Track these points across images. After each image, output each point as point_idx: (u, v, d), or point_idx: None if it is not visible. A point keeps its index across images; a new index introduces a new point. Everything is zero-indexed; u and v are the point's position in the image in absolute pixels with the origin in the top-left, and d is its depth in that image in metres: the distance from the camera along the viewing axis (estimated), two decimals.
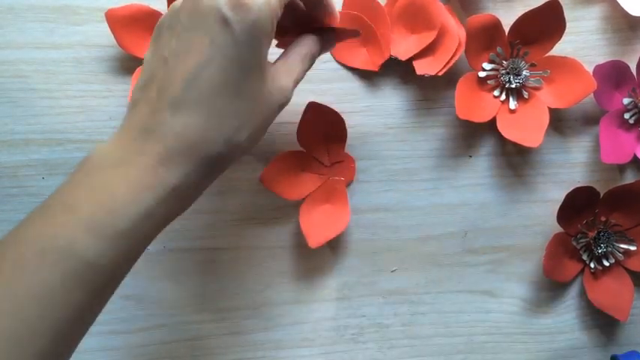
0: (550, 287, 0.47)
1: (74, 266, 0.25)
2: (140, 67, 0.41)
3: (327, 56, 0.44)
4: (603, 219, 0.45)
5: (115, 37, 0.41)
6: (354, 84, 0.45)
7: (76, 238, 0.25)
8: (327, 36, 0.36)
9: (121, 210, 0.26)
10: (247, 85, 0.29)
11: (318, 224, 0.43)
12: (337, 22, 0.37)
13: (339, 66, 0.45)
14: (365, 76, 0.45)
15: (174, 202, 0.28)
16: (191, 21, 0.29)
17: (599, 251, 0.45)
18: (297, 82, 0.33)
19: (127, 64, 0.43)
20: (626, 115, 0.44)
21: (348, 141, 0.44)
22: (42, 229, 0.26)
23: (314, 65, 0.43)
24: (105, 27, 0.40)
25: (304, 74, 0.34)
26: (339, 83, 0.45)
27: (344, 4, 0.43)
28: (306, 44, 0.34)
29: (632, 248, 0.45)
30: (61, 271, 0.25)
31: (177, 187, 0.28)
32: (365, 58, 0.44)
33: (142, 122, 0.29)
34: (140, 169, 0.27)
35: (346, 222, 0.43)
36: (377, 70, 0.44)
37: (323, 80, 0.44)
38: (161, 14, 0.41)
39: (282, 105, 0.32)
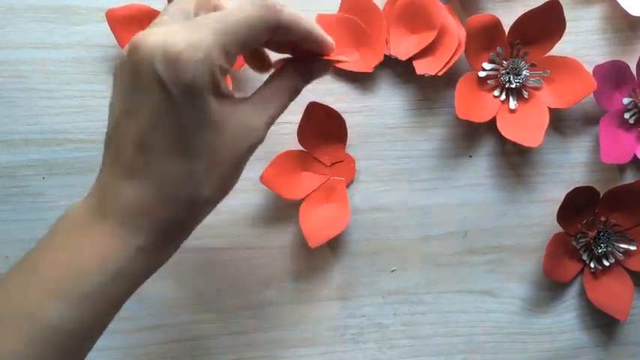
0: (550, 287, 0.47)
1: (40, 331, 0.25)
2: None
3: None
4: (603, 219, 0.45)
5: (115, 36, 0.40)
6: (355, 84, 0.45)
7: (41, 302, 0.25)
8: (318, 64, 0.33)
9: (86, 273, 0.26)
10: (198, 142, 0.27)
11: (318, 224, 0.43)
12: (332, 49, 0.32)
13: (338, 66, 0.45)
14: (365, 76, 0.45)
15: (143, 263, 0.28)
16: (133, 78, 0.27)
17: (599, 251, 0.45)
18: (273, 118, 0.31)
19: None
20: (626, 115, 0.44)
21: (348, 141, 0.44)
22: (9, 293, 0.26)
23: None
24: (105, 27, 0.40)
25: (284, 108, 0.31)
26: (339, 83, 0.45)
27: (341, 6, 0.44)
28: (289, 75, 0.31)
29: (632, 248, 0.45)
30: (27, 336, 0.25)
31: (142, 248, 0.27)
32: (358, 60, 0.44)
33: (102, 185, 0.28)
34: (104, 232, 0.27)
35: (346, 222, 0.43)
36: (371, 71, 0.44)
37: (323, 80, 0.44)
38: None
39: (253, 145, 0.30)
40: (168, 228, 0.28)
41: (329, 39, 0.31)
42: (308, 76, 0.32)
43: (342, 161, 0.45)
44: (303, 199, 0.44)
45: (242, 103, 0.29)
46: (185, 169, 0.27)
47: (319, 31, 0.30)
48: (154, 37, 0.26)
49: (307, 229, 0.43)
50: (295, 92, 0.32)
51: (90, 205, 0.28)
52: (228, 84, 0.43)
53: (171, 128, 0.26)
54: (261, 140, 0.30)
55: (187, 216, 0.29)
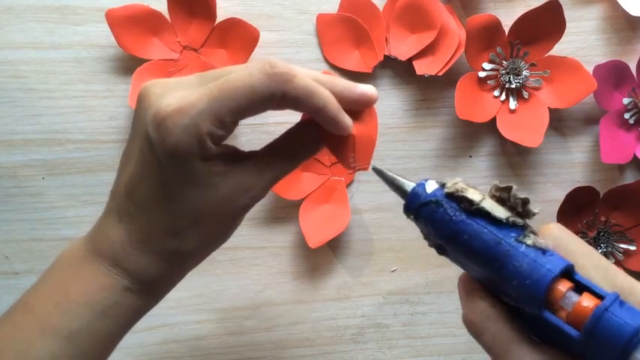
0: None
1: None
2: (140, 67, 0.41)
3: (320, 56, 0.44)
4: (603, 219, 0.45)
5: (114, 37, 0.40)
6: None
7: (32, 340, 0.26)
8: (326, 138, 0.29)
9: (76, 310, 0.27)
10: (181, 200, 0.27)
11: (318, 224, 0.43)
12: (348, 131, 0.28)
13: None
14: (365, 76, 0.45)
15: (132, 303, 0.28)
16: (133, 125, 0.27)
17: (599, 251, 0.45)
18: (277, 179, 0.29)
19: (127, 64, 0.43)
20: (626, 115, 0.44)
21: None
22: (5, 330, 0.27)
23: (311, 66, 0.43)
24: (105, 27, 0.40)
25: (292, 170, 0.29)
26: None
27: (340, 5, 0.44)
28: (307, 136, 0.29)
29: (632, 248, 0.45)
30: None
31: (130, 288, 0.28)
32: (358, 60, 0.44)
33: (98, 224, 0.29)
34: (92, 270, 0.27)
35: (346, 222, 0.43)
36: (370, 71, 0.44)
37: None
38: (161, 14, 0.41)
39: (248, 205, 0.28)
40: (156, 273, 0.28)
41: (346, 120, 0.27)
42: (310, 150, 0.30)
43: None
44: (303, 199, 0.44)
45: (242, 162, 0.27)
46: (169, 225, 0.27)
47: (334, 109, 0.27)
48: (155, 90, 0.26)
49: (307, 229, 0.43)
50: (308, 156, 0.30)
51: (85, 242, 0.29)
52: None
53: (156, 183, 0.26)
54: (258, 200, 0.28)
55: (176, 264, 0.29)
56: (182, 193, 0.26)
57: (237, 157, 0.28)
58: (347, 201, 0.44)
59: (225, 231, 0.30)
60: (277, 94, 0.25)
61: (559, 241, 0.25)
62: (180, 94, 0.25)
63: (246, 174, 0.27)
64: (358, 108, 0.28)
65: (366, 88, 0.28)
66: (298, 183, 0.44)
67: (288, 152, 0.29)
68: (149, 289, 0.29)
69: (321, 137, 0.29)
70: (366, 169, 0.30)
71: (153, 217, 0.27)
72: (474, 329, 0.25)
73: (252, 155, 0.28)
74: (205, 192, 0.27)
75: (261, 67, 0.25)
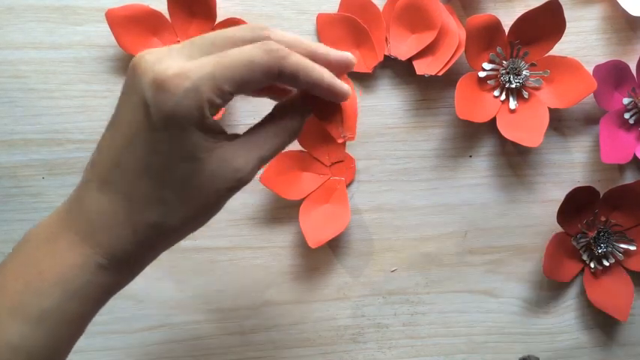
0: (550, 287, 0.47)
1: (1, 352, 0.25)
2: None
3: None
4: (603, 219, 0.45)
5: (115, 37, 0.40)
6: (355, 84, 0.45)
7: (2, 320, 0.25)
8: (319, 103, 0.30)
9: (47, 289, 0.26)
10: (171, 171, 0.26)
11: (318, 224, 0.43)
12: (347, 97, 0.29)
13: None
14: (365, 76, 0.45)
15: (104, 281, 0.27)
16: (125, 93, 0.26)
17: (599, 251, 0.45)
18: (264, 160, 0.29)
19: (127, 64, 0.42)
20: (626, 115, 0.44)
21: (348, 141, 0.44)
22: None
23: None
24: (105, 27, 0.40)
25: (279, 151, 0.29)
26: None
27: (340, 5, 0.44)
28: (289, 115, 0.29)
29: (632, 248, 0.45)
30: None
31: (103, 266, 0.27)
32: (358, 60, 0.44)
33: (75, 195, 0.28)
34: (66, 246, 0.26)
35: (346, 222, 0.43)
36: (370, 71, 0.44)
37: None
38: (161, 14, 0.41)
39: (234, 186, 0.28)
40: (131, 248, 0.27)
41: (343, 86, 0.29)
42: (308, 116, 0.30)
43: (342, 161, 0.45)
44: (303, 199, 0.44)
45: (230, 141, 0.27)
46: (155, 194, 0.26)
47: (331, 79, 0.28)
48: (150, 57, 0.25)
49: (307, 229, 0.43)
50: (294, 135, 0.30)
51: (59, 216, 0.28)
52: (219, 118, 0.41)
53: (146, 151, 0.26)
54: (244, 182, 0.28)
55: (154, 240, 0.28)
56: (172, 163, 0.26)
57: (224, 137, 0.27)
58: (347, 201, 0.44)
59: (207, 212, 0.29)
60: (274, 70, 0.26)
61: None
62: (177, 61, 0.25)
63: (233, 154, 0.27)
64: (338, 73, 0.29)
65: (339, 53, 0.29)
66: (298, 183, 0.44)
67: (273, 133, 0.29)
68: (122, 266, 0.28)
69: (313, 109, 0.30)
70: (352, 138, 0.31)
71: (139, 185, 0.26)
72: None
73: (237, 136, 0.28)
74: (195, 164, 0.26)
75: (259, 44, 0.26)
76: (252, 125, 0.29)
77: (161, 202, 0.27)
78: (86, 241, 0.27)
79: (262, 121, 0.29)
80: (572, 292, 0.47)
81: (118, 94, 0.42)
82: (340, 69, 0.29)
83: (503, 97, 0.44)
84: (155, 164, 0.26)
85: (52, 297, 0.26)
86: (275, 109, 0.30)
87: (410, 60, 0.43)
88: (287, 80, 0.27)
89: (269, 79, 0.26)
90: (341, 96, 0.29)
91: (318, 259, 0.46)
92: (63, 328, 0.26)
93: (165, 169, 0.26)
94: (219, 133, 0.27)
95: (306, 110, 0.30)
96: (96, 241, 0.27)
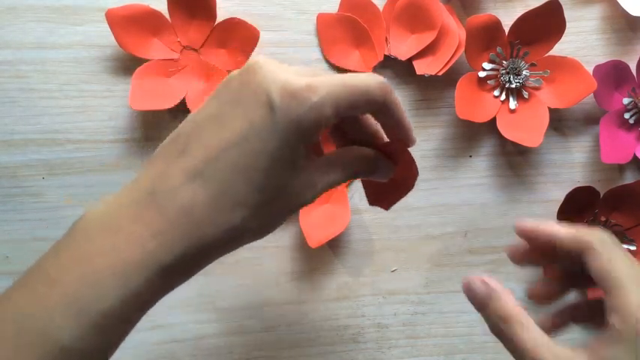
0: None
1: (49, 351, 0.24)
2: (139, 67, 0.41)
3: (320, 56, 0.44)
4: (603, 219, 0.45)
5: (114, 37, 0.40)
6: None
7: (53, 317, 0.24)
8: (385, 164, 0.31)
9: (105, 289, 0.24)
10: (271, 179, 0.26)
11: (318, 224, 0.43)
12: (412, 144, 0.31)
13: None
14: None
15: (162, 284, 0.26)
16: (238, 93, 0.26)
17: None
18: (329, 187, 0.29)
19: (127, 64, 0.43)
20: (626, 115, 0.44)
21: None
22: (22, 303, 0.25)
23: (311, 66, 0.43)
24: (105, 27, 0.40)
25: (341, 182, 0.30)
26: None
27: (340, 5, 0.44)
28: (357, 157, 0.30)
29: (632, 248, 0.45)
30: (35, 355, 0.24)
31: (167, 267, 0.25)
32: (358, 60, 0.44)
33: (151, 182, 0.26)
34: (130, 241, 0.25)
35: (346, 222, 0.43)
36: (370, 71, 0.44)
37: None
38: (161, 14, 0.41)
39: (303, 204, 0.28)
40: (200, 247, 0.26)
41: (414, 136, 0.31)
42: (374, 165, 0.31)
43: None
44: None
45: (312, 161, 0.29)
46: (247, 197, 0.26)
47: (408, 122, 0.30)
48: (274, 65, 0.26)
49: (307, 229, 0.43)
50: (352, 175, 0.30)
51: (122, 205, 0.26)
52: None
53: (256, 153, 0.26)
54: (309, 203, 0.29)
55: (225, 243, 0.27)
56: (275, 168, 0.26)
57: (311, 156, 0.29)
58: (347, 201, 0.44)
59: (278, 225, 0.29)
60: (381, 100, 0.28)
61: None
62: (299, 76, 0.26)
63: (312, 173, 0.28)
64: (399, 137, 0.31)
65: (411, 131, 0.31)
66: None
67: (344, 162, 0.30)
68: (183, 270, 0.27)
69: (394, 162, 0.31)
70: (386, 208, 0.33)
71: (235, 187, 0.26)
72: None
73: (322, 154, 0.29)
74: (292, 175, 0.27)
75: (371, 75, 0.28)
76: None
77: (247, 205, 0.26)
78: (155, 237, 0.25)
79: (347, 148, 0.30)
80: (572, 294, 0.47)
81: (118, 93, 0.43)
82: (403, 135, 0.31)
83: (503, 97, 0.44)
84: (258, 166, 0.26)
85: (110, 297, 0.25)
86: (353, 148, 0.31)
87: (410, 60, 0.43)
88: (384, 111, 0.29)
89: (374, 107, 0.28)
90: (410, 140, 0.31)
91: (318, 259, 0.46)
92: (117, 331, 0.26)
93: (266, 172, 0.26)
94: (313, 152, 0.28)
95: (377, 158, 0.31)
96: (167, 240, 0.25)
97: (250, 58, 0.27)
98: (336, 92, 0.26)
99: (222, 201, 0.26)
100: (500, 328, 0.30)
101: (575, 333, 0.47)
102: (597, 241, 0.28)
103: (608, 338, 0.26)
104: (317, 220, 0.43)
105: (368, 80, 0.27)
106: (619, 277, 0.26)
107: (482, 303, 0.30)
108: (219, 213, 0.26)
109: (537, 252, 0.32)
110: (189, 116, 0.28)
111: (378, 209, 0.44)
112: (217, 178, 0.26)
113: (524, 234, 0.31)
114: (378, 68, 0.44)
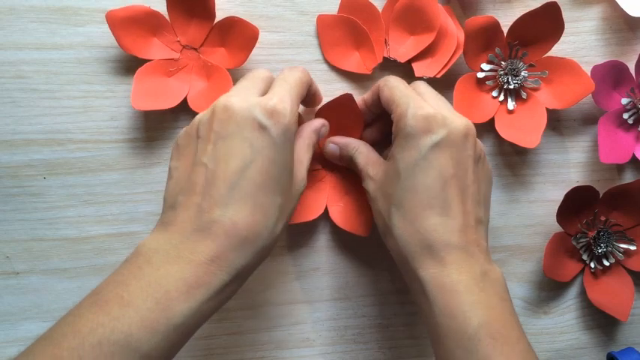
0: (550, 287, 0.47)
1: (130, 358, 0.27)
2: (141, 67, 0.41)
3: (320, 57, 0.44)
4: (603, 219, 0.45)
5: (115, 38, 0.41)
6: (354, 85, 0.45)
7: (131, 332, 0.27)
8: (319, 122, 0.40)
9: (175, 307, 0.29)
10: (282, 181, 0.33)
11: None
12: (321, 100, 0.42)
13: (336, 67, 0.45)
14: (364, 77, 0.45)
15: (222, 297, 0.31)
16: (227, 129, 0.32)
17: (599, 251, 0.45)
18: (307, 171, 0.37)
19: (129, 65, 0.43)
20: (625, 115, 0.45)
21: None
22: (100, 320, 0.28)
23: (311, 67, 0.44)
24: (106, 28, 0.40)
25: (310, 161, 0.37)
26: (338, 84, 0.45)
27: (340, 7, 0.44)
28: (307, 134, 0.38)
29: (632, 248, 0.45)
30: None
31: (228, 282, 0.30)
32: (358, 61, 0.44)
33: (192, 223, 0.31)
34: (193, 267, 0.30)
35: (318, 212, 0.43)
36: (369, 73, 0.44)
37: (323, 81, 0.44)
38: (161, 15, 0.42)
39: (300, 195, 0.36)
40: (253, 257, 0.31)
41: (320, 94, 0.42)
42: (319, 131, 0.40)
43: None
44: (302, 199, 0.44)
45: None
46: (272, 203, 0.32)
47: (317, 87, 0.41)
48: (238, 98, 0.33)
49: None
50: (313, 148, 0.38)
51: (175, 242, 0.30)
52: None
53: (267, 165, 0.31)
54: (305, 183, 0.36)
55: (269, 247, 0.32)
56: (284, 173, 0.33)
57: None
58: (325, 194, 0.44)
59: (289, 220, 0.35)
60: (309, 82, 0.39)
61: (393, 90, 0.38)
62: (266, 95, 0.34)
63: (297, 165, 0.36)
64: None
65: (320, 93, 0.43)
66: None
67: (304, 147, 0.38)
68: (239, 281, 0.32)
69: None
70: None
71: (260, 198, 0.31)
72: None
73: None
74: (291, 177, 0.34)
75: (292, 68, 0.38)
76: None
77: (275, 208, 0.32)
78: (214, 262, 0.30)
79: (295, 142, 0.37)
80: (573, 292, 0.47)
81: (120, 94, 0.43)
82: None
83: (501, 97, 0.44)
84: (272, 175, 0.32)
85: (179, 314, 0.29)
86: (299, 131, 0.38)
87: (409, 62, 0.44)
88: (312, 88, 0.39)
89: (309, 89, 0.39)
90: (319, 98, 0.42)
91: (318, 259, 0.46)
92: (182, 339, 0.30)
93: (278, 179, 0.32)
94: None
95: (317, 127, 0.40)
96: (225, 261, 0.30)
97: (213, 103, 0.33)
98: (294, 94, 0.34)
99: (256, 215, 0.31)
100: (348, 158, 0.41)
101: (575, 333, 0.47)
102: (382, 81, 0.39)
103: (393, 140, 0.36)
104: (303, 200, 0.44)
105: (298, 74, 0.37)
106: (396, 99, 0.36)
107: (338, 155, 0.41)
108: (258, 225, 0.31)
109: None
110: (180, 165, 0.34)
111: None
112: (245, 199, 0.31)
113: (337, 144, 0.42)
114: (377, 70, 0.44)
